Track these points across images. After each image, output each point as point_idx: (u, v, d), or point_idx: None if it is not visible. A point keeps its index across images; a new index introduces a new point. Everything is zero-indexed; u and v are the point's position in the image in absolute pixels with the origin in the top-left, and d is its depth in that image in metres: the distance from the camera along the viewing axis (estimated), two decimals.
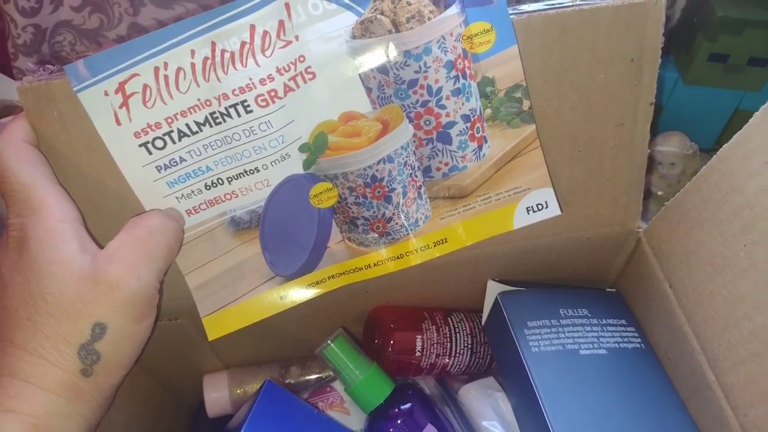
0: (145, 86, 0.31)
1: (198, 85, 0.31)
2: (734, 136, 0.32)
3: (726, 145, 0.33)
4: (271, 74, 0.31)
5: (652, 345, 0.41)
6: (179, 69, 0.31)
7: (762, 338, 0.31)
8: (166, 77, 0.31)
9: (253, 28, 0.30)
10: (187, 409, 0.51)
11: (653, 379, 0.39)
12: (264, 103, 0.32)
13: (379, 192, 0.36)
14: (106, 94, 0.31)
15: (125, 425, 0.40)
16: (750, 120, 0.31)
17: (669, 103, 0.61)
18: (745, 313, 0.32)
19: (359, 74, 0.33)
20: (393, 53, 0.33)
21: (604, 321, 0.41)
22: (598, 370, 0.38)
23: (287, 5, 0.30)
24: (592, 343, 0.40)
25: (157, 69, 0.30)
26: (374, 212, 0.37)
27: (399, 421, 0.39)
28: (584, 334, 0.40)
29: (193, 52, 0.30)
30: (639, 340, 0.41)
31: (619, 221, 0.41)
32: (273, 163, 0.34)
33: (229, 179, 0.35)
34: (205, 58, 0.31)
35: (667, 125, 0.60)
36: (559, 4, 0.33)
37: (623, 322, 0.42)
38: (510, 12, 0.32)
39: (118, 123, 0.31)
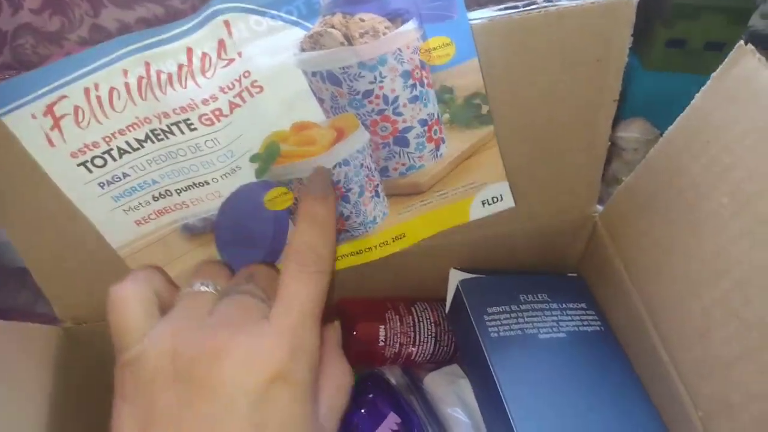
0: (77, 108, 0.29)
1: (135, 104, 0.30)
2: (677, 119, 0.33)
3: (670, 127, 0.34)
4: (214, 94, 0.30)
5: (611, 327, 0.42)
6: (112, 89, 0.29)
7: (709, 316, 0.32)
8: (98, 98, 0.29)
9: (190, 51, 0.29)
10: None
11: (612, 360, 0.40)
12: (209, 122, 0.31)
13: (336, 194, 0.36)
14: (34, 117, 0.29)
15: None
16: (691, 102, 0.32)
17: (630, 89, 0.62)
18: (694, 292, 0.33)
19: (310, 86, 0.32)
20: (346, 65, 0.31)
21: (564, 305, 0.42)
22: (557, 353, 0.39)
23: (227, 23, 0.28)
24: (551, 327, 0.40)
25: (87, 90, 0.29)
26: None
27: (362, 411, 0.39)
28: (543, 319, 0.40)
29: (125, 72, 0.29)
30: (599, 323, 0.42)
31: (576, 207, 0.41)
32: (223, 177, 0.33)
33: (178, 191, 0.34)
34: (140, 77, 0.29)
35: (628, 112, 0.61)
36: (524, 6, 0.31)
37: (583, 305, 0.43)
38: (471, 18, 0.31)
39: (52, 144, 0.30)
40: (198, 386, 0.26)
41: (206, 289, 0.31)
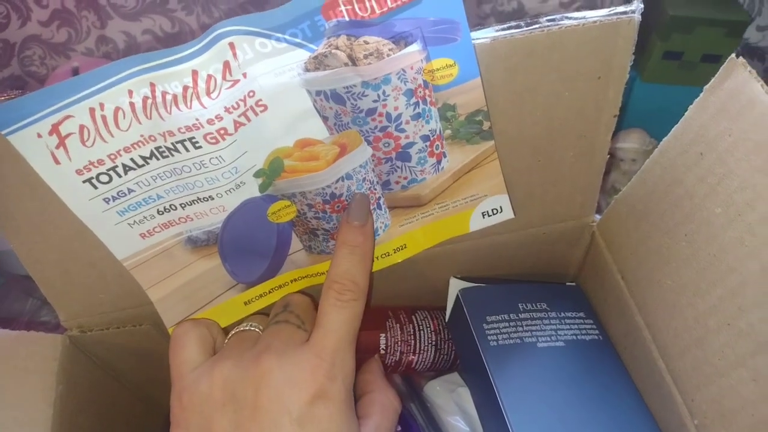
0: (82, 127, 0.29)
1: (140, 123, 0.30)
2: (672, 130, 0.34)
3: (665, 139, 0.34)
4: (219, 114, 0.30)
5: (609, 336, 0.42)
6: (117, 109, 0.29)
7: (703, 324, 0.32)
8: (103, 117, 0.29)
9: (195, 73, 0.29)
10: (160, 416, 0.52)
11: (610, 369, 0.40)
12: (214, 141, 0.31)
13: (338, 206, 0.37)
14: (39, 135, 0.29)
15: None
16: (685, 113, 0.33)
17: (628, 101, 0.62)
18: (688, 301, 0.33)
19: (314, 105, 0.32)
20: (350, 84, 0.32)
21: (562, 314, 0.43)
22: (555, 361, 0.39)
23: (232, 45, 0.29)
24: (550, 335, 0.41)
25: (92, 110, 0.29)
26: (334, 224, 0.37)
27: None
28: (542, 327, 0.41)
29: (130, 92, 0.29)
30: (597, 331, 0.42)
31: (573, 216, 0.42)
32: (227, 192, 0.34)
33: (183, 205, 0.34)
34: (145, 97, 0.29)
35: (627, 122, 0.61)
36: (526, 25, 0.31)
37: (582, 314, 0.43)
38: (474, 37, 0.31)
39: (57, 162, 0.30)
40: (246, 409, 0.29)
41: (251, 328, 0.35)
